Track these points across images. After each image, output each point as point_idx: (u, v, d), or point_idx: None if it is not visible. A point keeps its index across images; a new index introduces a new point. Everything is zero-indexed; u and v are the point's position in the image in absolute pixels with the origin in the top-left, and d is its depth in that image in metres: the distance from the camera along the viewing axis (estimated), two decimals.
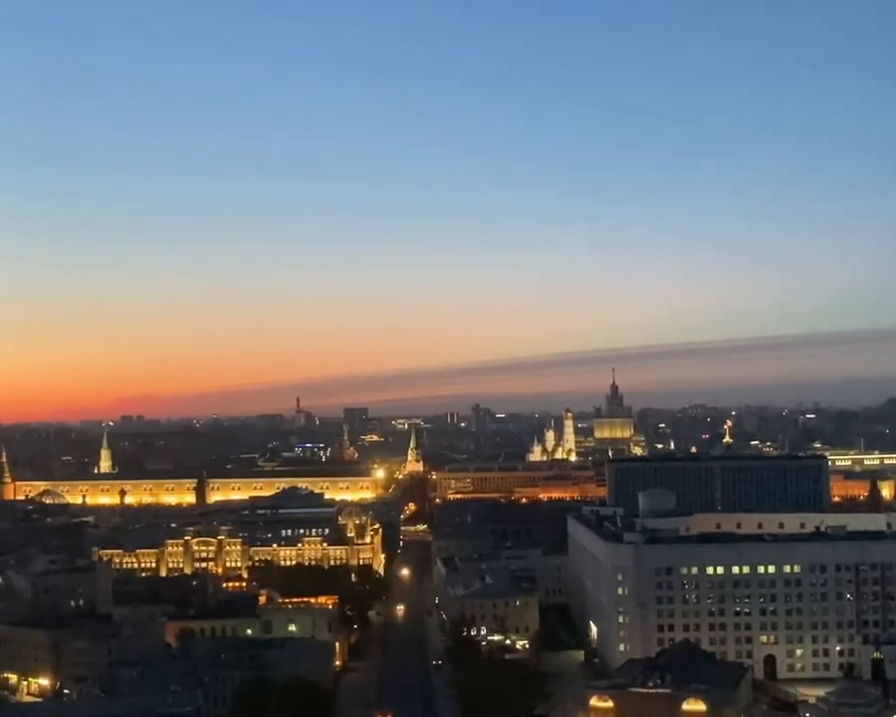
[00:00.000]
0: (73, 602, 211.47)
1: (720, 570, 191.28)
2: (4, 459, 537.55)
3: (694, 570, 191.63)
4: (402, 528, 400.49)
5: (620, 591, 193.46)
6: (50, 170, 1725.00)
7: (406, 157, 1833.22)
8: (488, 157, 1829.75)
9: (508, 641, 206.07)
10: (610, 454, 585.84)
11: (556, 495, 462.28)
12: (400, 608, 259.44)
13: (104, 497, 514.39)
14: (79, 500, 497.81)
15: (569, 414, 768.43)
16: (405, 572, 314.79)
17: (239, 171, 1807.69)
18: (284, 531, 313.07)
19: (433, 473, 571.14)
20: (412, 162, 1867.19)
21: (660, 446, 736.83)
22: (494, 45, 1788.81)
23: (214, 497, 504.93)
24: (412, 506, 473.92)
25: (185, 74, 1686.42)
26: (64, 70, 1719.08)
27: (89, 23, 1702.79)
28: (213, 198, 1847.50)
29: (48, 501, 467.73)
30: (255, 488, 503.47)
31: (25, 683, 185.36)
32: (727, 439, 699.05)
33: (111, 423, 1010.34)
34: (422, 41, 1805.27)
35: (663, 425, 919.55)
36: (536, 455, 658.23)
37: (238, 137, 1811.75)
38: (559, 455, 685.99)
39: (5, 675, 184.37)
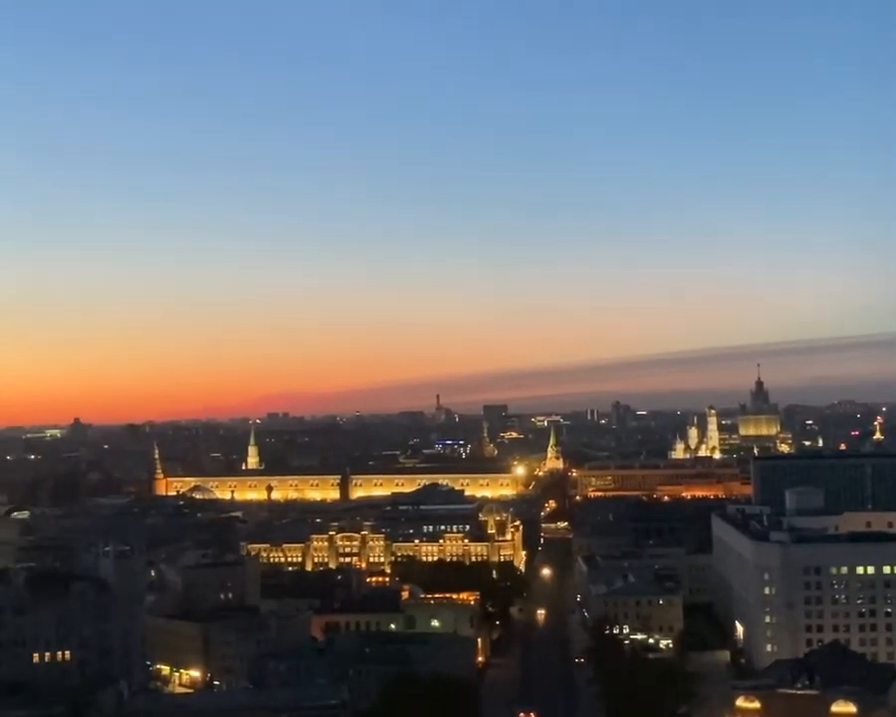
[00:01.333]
0: (222, 596, 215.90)
1: (870, 569, 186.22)
2: (157, 456, 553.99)
3: (844, 569, 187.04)
4: (542, 525, 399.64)
5: (767, 590, 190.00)
6: (213, 172, 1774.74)
7: (540, 157, 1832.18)
8: (623, 157, 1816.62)
9: (651, 640, 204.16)
10: (756, 452, 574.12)
11: (699, 493, 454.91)
12: (541, 606, 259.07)
13: (251, 492, 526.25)
14: (227, 495, 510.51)
15: (713, 411, 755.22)
16: (546, 569, 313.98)
17: (381, 174, 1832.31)
18: (425, 527, 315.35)
19: (573, 470, 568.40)
20: (546, 162, 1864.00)
21: (808, 443, 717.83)
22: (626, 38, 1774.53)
23: (357, 493, 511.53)
24: (552, 503, 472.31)
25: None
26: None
27: None
28: (355, 202, 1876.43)
29: (198, 496, 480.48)
30: (397, 484, 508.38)
31: (177, 674, 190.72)
32: (877, 436, 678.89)
33: (257, 421, 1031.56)
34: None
35: (810, 422, 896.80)
36: (678, 453, 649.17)
37: (386, 142, 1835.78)
38: (702, 453, 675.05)
39: (158, 666, 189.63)
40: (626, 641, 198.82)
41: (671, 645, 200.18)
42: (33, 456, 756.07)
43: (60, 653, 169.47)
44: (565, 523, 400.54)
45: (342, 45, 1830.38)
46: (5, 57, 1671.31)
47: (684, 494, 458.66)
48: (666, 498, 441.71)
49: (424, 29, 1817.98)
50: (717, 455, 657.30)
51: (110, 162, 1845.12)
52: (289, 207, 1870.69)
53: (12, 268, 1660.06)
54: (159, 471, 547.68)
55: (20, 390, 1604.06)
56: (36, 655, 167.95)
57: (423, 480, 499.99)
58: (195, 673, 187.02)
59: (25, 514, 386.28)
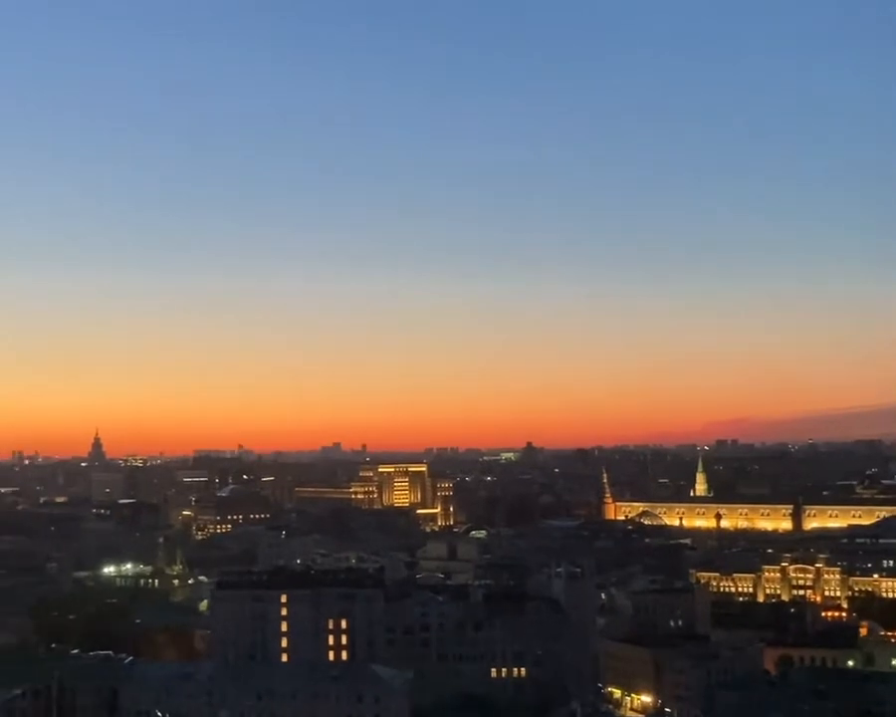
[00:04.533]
0: (672, 622, 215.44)
1: None
2: (606, 480, 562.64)
3: None
4: None
5: None
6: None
7: None
8: None
9: None
10: None
11: None
12: None
13: (699, 520, 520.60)
14: (675, 522, 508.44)
15: None
16: None
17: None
18: (885, 561, 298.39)
19: None
20: None
21: None
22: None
23: (810, 524, 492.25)
24: None
25: None
26: None
27: None
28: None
29: (646, 522, 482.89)
30: (853, 516, 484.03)
31: (628, 698, 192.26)
32: None
33: (705, 447, 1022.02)
34: None
35: None
36: None
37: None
38: None
39: (610, 689, 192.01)
40: None
41: None
42: (489, 478, 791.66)
43: (515, 669, 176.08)
44: None
45: None
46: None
47: None
48: None
49: None
50: None
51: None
52: (694, 227, 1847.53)
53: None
54: (608, 495, 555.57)
55: (478, 415, 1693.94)
56: (493, 670, 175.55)
57: (883, 512, 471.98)
58: (646, 698, 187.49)
59: (482, 533, 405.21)
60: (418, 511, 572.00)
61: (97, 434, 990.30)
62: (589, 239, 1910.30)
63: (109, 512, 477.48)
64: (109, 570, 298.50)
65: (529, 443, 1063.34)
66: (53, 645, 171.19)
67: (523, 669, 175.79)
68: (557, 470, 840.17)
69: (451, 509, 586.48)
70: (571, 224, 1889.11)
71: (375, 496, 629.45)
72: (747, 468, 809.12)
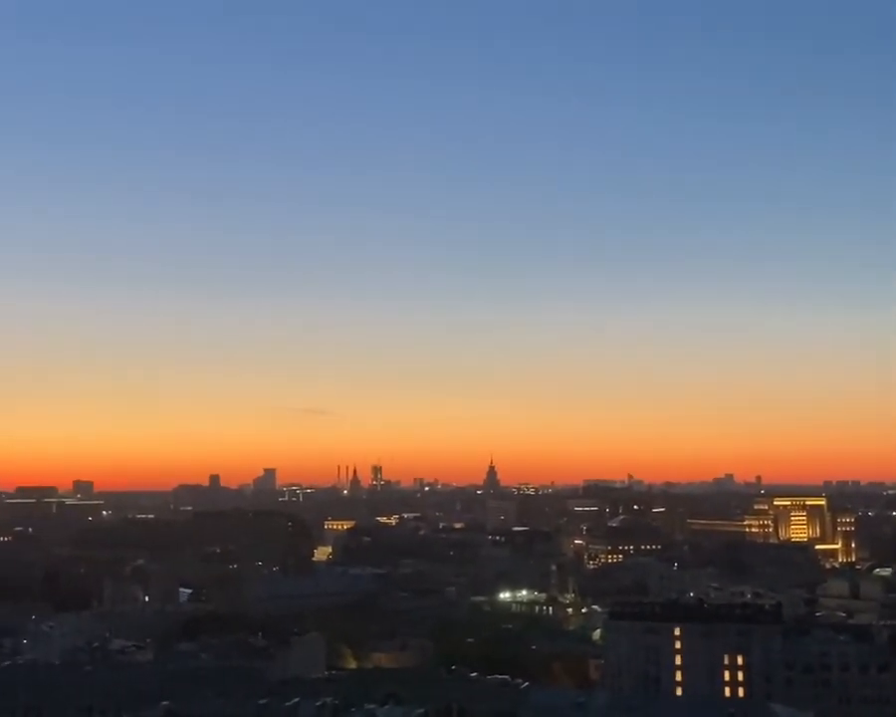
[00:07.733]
0: None
1: None
2: None
3: None
4: None
5: None
6: None
7: None
8: None
9: None
10: None
11: None
12: None
13: None
14: None
15: None
16: None
17: None
18: None
19: None
20: None
21: None
22: None
23: None
24: None
25: None
26: None
27: None
28: None
29: None
30: None
31: None
32: None
33: None
34: None
35: None
36: None
37: None
38: None
39: None
40: None
41: None
42: (895, 512, 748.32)
43: None
44: None
45: None
46: None
47: None
48: None
49: None
50: None
51: None
52: None
53: None
54: None
55: (879, 445, 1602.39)
56: None
57: None
58: None
59: (887, 570, 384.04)
60: (817, 546, 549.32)
61: (491, 463, 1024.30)
62: None
63: (503, 539, 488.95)
64: (504, 595, 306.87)
65: None
66: (452, 667, 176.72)
67: None
68: None
69: (853, 545, 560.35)
70: None
71: (771, 530, 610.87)
72: None
